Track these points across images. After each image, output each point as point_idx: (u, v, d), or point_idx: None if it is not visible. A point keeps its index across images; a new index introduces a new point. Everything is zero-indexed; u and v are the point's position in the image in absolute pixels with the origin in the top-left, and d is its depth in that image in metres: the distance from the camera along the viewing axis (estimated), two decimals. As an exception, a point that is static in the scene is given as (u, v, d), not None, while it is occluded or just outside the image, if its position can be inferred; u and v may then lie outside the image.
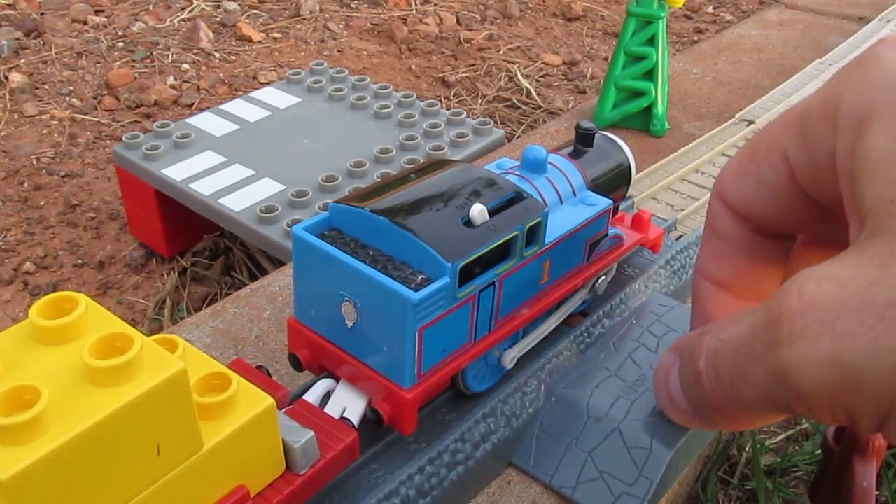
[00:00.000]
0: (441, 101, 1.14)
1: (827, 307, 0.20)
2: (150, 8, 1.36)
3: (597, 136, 0.47)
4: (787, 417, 0.25)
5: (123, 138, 0.79)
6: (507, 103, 1.13)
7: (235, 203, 0.70)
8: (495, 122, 1.05)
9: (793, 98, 0.82)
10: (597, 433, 0.42)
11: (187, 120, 0.83)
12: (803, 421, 0.66)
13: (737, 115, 0.78)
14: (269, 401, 0.31)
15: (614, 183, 0.47)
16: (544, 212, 0.38)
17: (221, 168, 0.75)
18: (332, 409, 0.38)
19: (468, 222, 0.36)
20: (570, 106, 1.12)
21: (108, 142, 1.02)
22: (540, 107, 1.12)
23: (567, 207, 0.43)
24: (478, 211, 0.36)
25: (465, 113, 0.84)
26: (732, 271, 0.30)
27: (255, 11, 1.37)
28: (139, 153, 0.77)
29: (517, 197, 0.38)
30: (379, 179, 0.72)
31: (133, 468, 0.26)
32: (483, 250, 0.35)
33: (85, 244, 0.85)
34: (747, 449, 0.62)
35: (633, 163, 0.48)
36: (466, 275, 0.35)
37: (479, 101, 1.14)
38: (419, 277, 0.34)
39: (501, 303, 0.38)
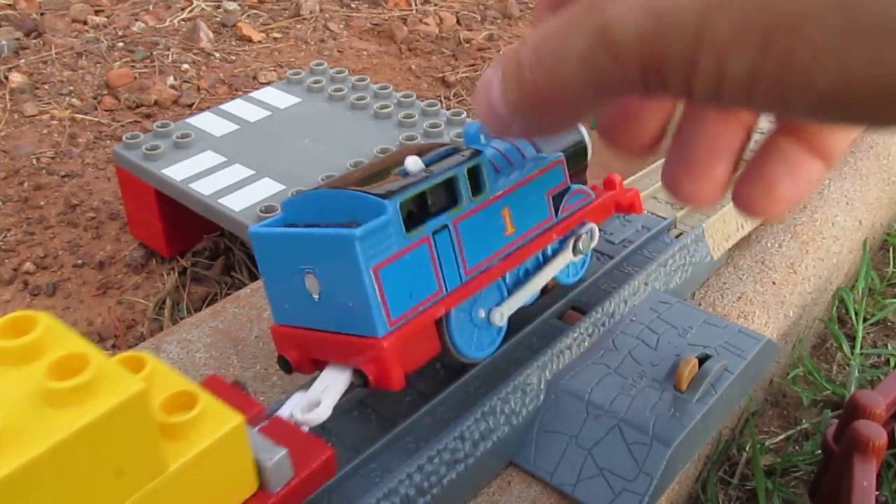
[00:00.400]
0: (441, 101, 1.14)
1: None
2: (150, 8, 1.36)
3: None
4: (604, 101, 0.24)
5: (123, 138, 0.79)
6: (507, 103, 1.13)
7: (235, 203, 0.70)
8: (495, 123, 1.05)
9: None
10: (597, 430, 0.42)
11: (187, 120, 0.83)
12: (803, 420, 0.66)
13: (737, 115, 0.77)
14: (237, 419, 0.30)
15: (571, 159, 0.47)
16: (482, 156, 0.40)
17: (221, 168, 0.75)
18: (314, 391, 0.38)
19: (406, 174, 0.38)
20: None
21: (108, 142, 1.02)
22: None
23: (518, 167, 0.44)
24: (412, 161, 0.38)
25: (465, 113, 0.84)
26: None
27: (255, 11, 1.37)
28: (139, 153, 0.77)
29: (453, 150, 0.40)
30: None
31: (93, 492, 0.26)
32: (419, 189, 0.37)
33: (85, 244, 0.85)
34: (747, 449, 0.62)
35: (588, 142, 0.49)
36: (414, 218, 0.37)
37: (479, 101, 1.14)
38: (359, 224, 0.35)
39: (465, 251, 0.39)
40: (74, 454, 0.24)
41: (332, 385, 0.38)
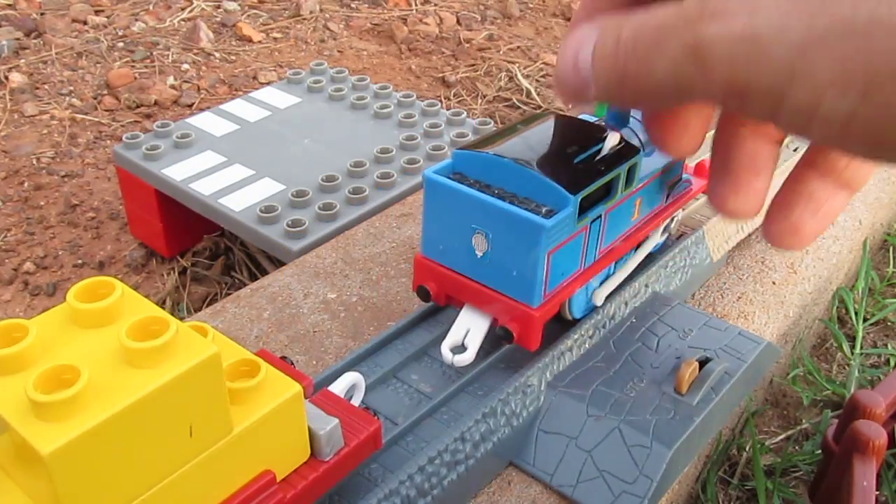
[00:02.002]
0: (441, 101, 1.14)
1: None
2: (150, 8, 1.36)
3: None
4: (681, 103, 0.26)
5: (123, 138, 0.79)
6: (507, 103, 1.13)
7: (235, 203, 0.70)
8: (495, 122, 1.05)
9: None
10: (597, 432, 0.42)
11: (187, 120, 0.83)
12: (803, 420, 0.66)
13: (737, 115, 0.77)
14: (296, 387, 0.32)
15: None
16: (640, 154, 0.44)
17: (221, 168, 0.75)
18: (456, 332, 0.43)
19: (579, 162, 0.41)
20: (570, 106, 1.12)
21: (108, 142, 1.02)
22: (540, 107, 1.12)
23: (649, 154, 0.48)
24: (613, 139, 0.43)
25: (465, 113, 0.84)
26: None
27: (255, 11, 1.37)
28: (139, 153, 0.77)
29: (619, 142, 0.44)
30: (377, 176, 0.72)
31: (166, 449, 0.27)
32: (596, 185, 0.41)
33: (85, 244, 0.85)
34: (747, 449, 0.62)
35: None
36: (582, 207, 0.41)
37: (479, 101, 1.14)
38: (544, 209, 0.39)
39: (605, 235, 0.45)
40: (153, 411, 0.26)
41: (473, 330, 0.43)
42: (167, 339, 0.26)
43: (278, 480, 0.32)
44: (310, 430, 0.33)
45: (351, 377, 0.40)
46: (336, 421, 0.34)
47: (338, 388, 0.39)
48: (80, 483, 0.25)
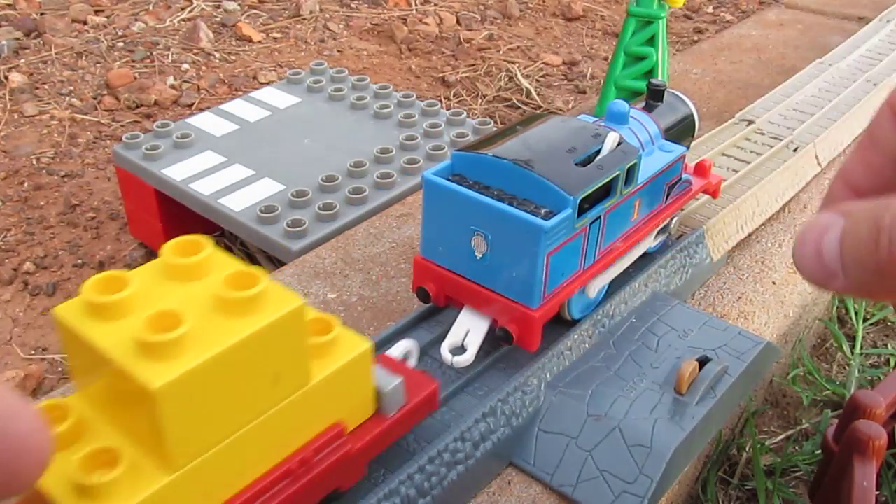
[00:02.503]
0: (441, 101, 1.13)
1: None
2: (150, 8, 1.36)
3: (665, 92, 0.54)
4: None
5: (123, 138, 0.79)
6: (507, 103, 1.13)
7: (235, 203, 0.70)
8: (495, 122, 1.05)
9: (793, 98, 0.82)
10: (597, 432, 0.42)
11: (187, 120, 0.83)
12: (803, 420, 0.66)
13: (736, 115, 0.77)
14: (367, 344, 0.34)
15: (682, 133, 0.53)
16: (639, 154, 0.44)
17: (221, 168, 0.75)
18: (455, 335, 0.42)
19: (578, 163, 0.41)
20: (571, 106, 1.12)
21: (108, 142, 1.02)
22: (540, 107, 1.12)
23: (649, 154, 0.49)
24: (612, 139, 0.43)
25: (465, 113, 0.84)
26: (880, 184, 0.30)
27: (255, 11, 1.37)
28: (139, 153, 0.77)
29: (618, 142, 0.44)
30: (377, 176, 0.72)
31: (254, 393, 0.29)
32: (595, 186, 0.41)
33: (85, 244, 0.85)
34: (747, 449, 0.62)
35: (696, 115, 0.54)
36: (581, 208, 0.41)
37: (479, 101, 1.14)
38: (543, 210, 0.39)
39: (605, 235, 0.45)
40: (246, 356, 0.28)
41: (473, 331, 0.43)
42: (259, 290, 0.28)
43: (347, 433, 0.34)
44: (375, 387, 0.35)
45: (406, 343, 0.42)
46: (400, 379, 0.36)
47: (395, 353, 0.41)
48: (182, 419, 0.27)
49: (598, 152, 0.43)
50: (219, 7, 1.37)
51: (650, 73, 0.77)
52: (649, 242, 0.52)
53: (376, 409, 0.35)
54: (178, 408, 0.26)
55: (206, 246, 0.30)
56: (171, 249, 0.30)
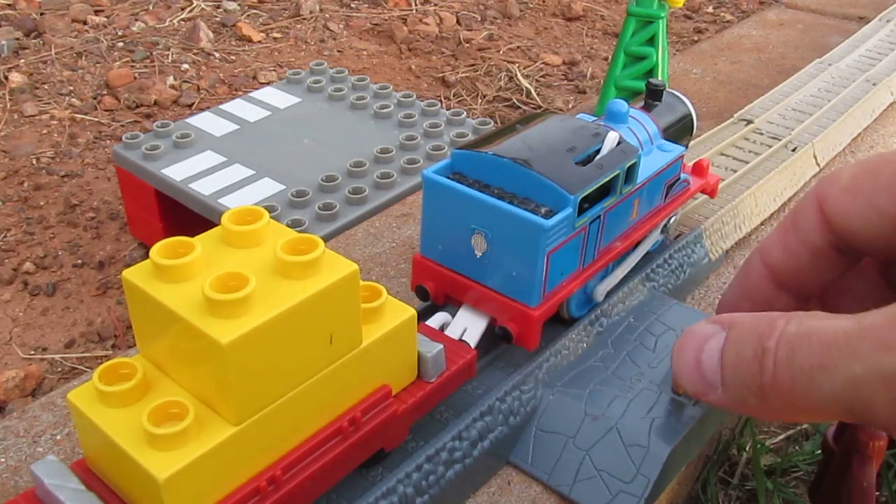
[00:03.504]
0: (441, 101, 1.14)
1: None
2: (150, 8, 1.36)
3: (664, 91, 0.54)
4: (830, 421, 0.24)
5: (123, 138, 0.79)
6: (507, 103, 1.13)
7: (235, 203, 0.70)
8: (495, 122, 1.05)
9: (792, 98, 0.81)
10: (594, 431, 0.42)
11: (187, 120, 0.83)
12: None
13: (736, 115, 0.77)
14: (412, 311, 0.35)
15: (681, 132, 0.53)
16: (639, 154, 0.44)
17: (221, 168, 0.75)
18: (453, 332, 0.42)
19: (578, 162, 0.41)
20: (570, 106, 1.12)
21: (108, 142, 1.02)
22: (540, 107, 1.12)
23: (648, 153, 0.49)
24: (612, 139, 0.43)
25: (465, 113, 0.84)
26: (793, 268, 0.30)
27: (255, 11, 1.37)
28: (139, 153, 0.78)
29: (618, 142, 0.44)
30: (377, 176, 0.72)
31: (311, 352, 0.31)
32: (596, 185, 0.41)
33: (85, 244, 0.85)
34: (747, 449, 0.62)
35: (695, 115, 0.55)
36: (581, 207, 0.41)
37: (479, 101, 1.14)
38: (543, 209, 0.40)
39: (604, 235, 0.45)
40: (306, 316, 0.29)
41: (471, 328, 0.43)
42: (317, 255, 0.30)
43: (392, 396, 0.36)
44: (418, 353, 0.37)
45: (443, 316, 0.43)
46: (441, 346, 0.37)
47: (433, 324, 0.43)
48: (247, 374, 0.28)
49: (597, 151, 0.43)
50: (219, 7, 1.37)
51: (650, 73, 0.77)
52: (649, 244, 0.52)
53: (418, 374, 0.37)
54: (244, 363, 0.28)
55: (263, 215, 0.31)
56: (230, 217, 0.31)
